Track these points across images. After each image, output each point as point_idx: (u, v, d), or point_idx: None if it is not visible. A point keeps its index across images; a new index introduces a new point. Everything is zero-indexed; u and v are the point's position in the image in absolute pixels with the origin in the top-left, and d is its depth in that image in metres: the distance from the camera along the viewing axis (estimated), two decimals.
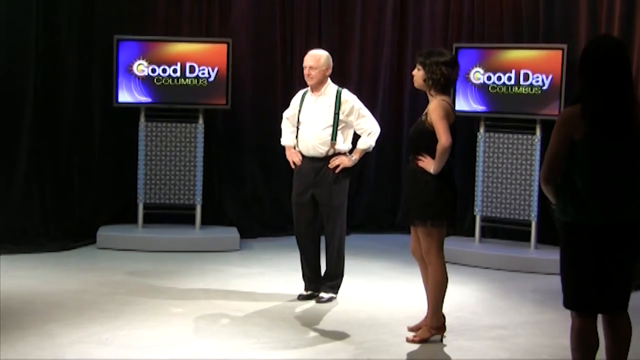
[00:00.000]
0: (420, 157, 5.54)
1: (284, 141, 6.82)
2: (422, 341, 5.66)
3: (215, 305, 6.47)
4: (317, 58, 6.59)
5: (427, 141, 5.52)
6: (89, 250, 8.35)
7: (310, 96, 6.66)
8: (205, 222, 8.81)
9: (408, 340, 5.69)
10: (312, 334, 5.88)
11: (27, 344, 5.35)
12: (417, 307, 6.05)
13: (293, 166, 6.71)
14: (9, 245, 8.04)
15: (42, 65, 8.42)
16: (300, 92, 6.79)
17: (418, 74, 5.66)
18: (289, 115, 6.81)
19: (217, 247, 8.49)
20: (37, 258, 7.91)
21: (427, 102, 5.64)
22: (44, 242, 8.26)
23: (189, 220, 8.75)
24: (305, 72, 6.60)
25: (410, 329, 5.82)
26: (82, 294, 6.69)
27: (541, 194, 6.10)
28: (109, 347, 5.38)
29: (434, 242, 5.59)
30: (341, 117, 6.54)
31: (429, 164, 5.49)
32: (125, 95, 8.51)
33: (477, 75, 8.44)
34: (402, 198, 5.89)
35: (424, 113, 5.62)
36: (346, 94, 6.61)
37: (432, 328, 5.67)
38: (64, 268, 7.59)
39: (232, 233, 8.73)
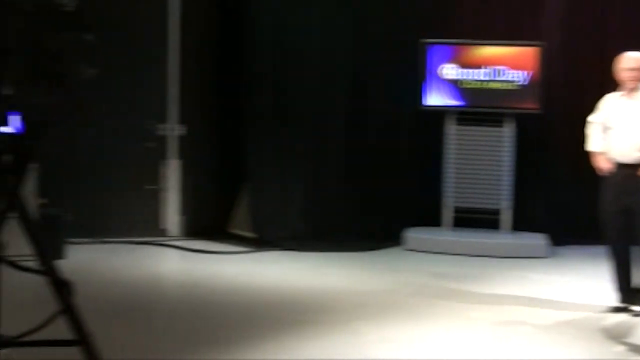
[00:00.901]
0: None
1: (592, 147, 6.52)
2: None
3: (519, 311, 6.31)
4: (638, 60, 6.23)
5: None
6: (396, 251, 8.48)
7: (622, 100, 6.31)
8: (513, 227, 8.66)
9: None
10: (623, 348, 5.55)
11: (334, 340, 5.48)
12: None
13: (602, 173, 6.40)
14: (321, 244, 8.38)
15: (352, 68, 8.70)
16: (610, 96, 6.43)
17: None
18: (597, 120, 6.50)
19: (524, 253, 8.31)
20: (345, 257, 8.15)
21: None
22: (354, 241, 8.50)
23: (495, 224, 8.64)
24: (626, 74, 6.25)
25: None
26: (388, 294, 6.79)
27: None
28: (410, 347, 5.39)
29: None
30: None
31: None
32: (433, 98, 8.57)
33: None
34: None
35: None
36: None
37: None
38: (371, 268, 7.76)
39: (540, 239, 8.51)
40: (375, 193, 8.83)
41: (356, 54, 8.77)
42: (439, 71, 8.58)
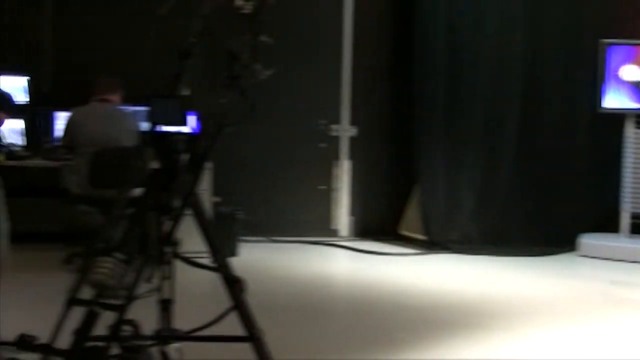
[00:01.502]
0: None
1: None
2: None
3: None
4: None
5: None
6: (569, 257, 8.25)
7: None
8: None
9: None
10: None
11: (502, 345, 5.37)
12: None
13: None
14: (492, 247, 8.26)
15: (526, 70, 8.52)
16: None
17: None
18: None
19: None
20: (518, 261, 8.00)
21: None
22: (526, 246, 8.33)
23: None
24: None
25: None
26: (560, 300, 6.62)
27: None
28: (580, 353, 5.22)
29: None
30: None
31: None
32: (612, 101, 8.29)
33: None
34: None
35: None
36: None
37: None
38: (544, 273, 7.58)
39: None
40: (549, 197, 8.61)
41: (531, 55, 8.57)
42: (619, 73, 8.29)
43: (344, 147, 8.83)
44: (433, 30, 8.45)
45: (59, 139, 7.30)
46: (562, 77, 8.62)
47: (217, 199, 7.85)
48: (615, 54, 8.28)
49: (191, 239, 3.86)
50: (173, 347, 3.70)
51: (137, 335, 3.65)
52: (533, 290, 6.98)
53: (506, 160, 8.58)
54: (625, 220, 8.37)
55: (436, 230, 8.47)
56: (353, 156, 8.84)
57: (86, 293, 3.52)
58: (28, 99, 7.79)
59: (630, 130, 8.32)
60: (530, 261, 8.04)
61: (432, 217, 8.50)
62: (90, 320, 3.48)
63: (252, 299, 3.72)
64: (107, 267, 3.38)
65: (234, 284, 3.66)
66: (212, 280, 3.81)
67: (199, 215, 3.66)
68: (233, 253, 7.63)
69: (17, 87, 7.61)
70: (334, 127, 8.80)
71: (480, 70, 8.51)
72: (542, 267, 7.84)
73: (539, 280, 7.32)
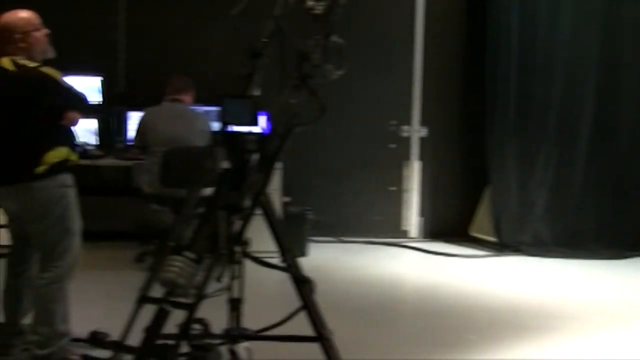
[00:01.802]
0: None
1: None
2: None
3: None
4: None
5: None
6: None
7: None
8: None
9: None
10: None
11: (578, 346, 5.32)
12: None
13: None
14: (564, 250, 8.13)
15: (602, 69, 8.35)
16: None
17: None
18: None
19: None
20: (591, 264, 7.85)
21: None
22: (598, 249, 8.18)
23: None
24: None
25: None
26: (632, 304, 6.50)
27: None
28: None
29: None
30: None
31: None
32: None
33: None
34: None
35: None
36: None
37: None
38: (618, 276, 7.43)
39: None
40: (624, 199, 8.42)
41: (606, 54, 8.38)
42: None
43: (415, 148, 8.77)
44: (506, 30, 8.33)
45: (131, 139, 7.39)
46: (638, 77, 8.44)
47: (287, 199, 7.87)
48: None
49: (261, 238, 3.87)
50: (242, 346, 3.72)
51: (206, 334, 3.68)
52: (606, 293, 6.86)
53: (579, 161, 8.41)
54: None
55: (507, 231, 8.35)
56: (423, 157, 8.78)
57: (157, 291, 3.56)
58: (101, 99, 7.90)
59: None
60: (603, 264, 7.89)
61: (504, 218, 8.39)
62: (160, 318, 3.51)
63: (321, 299, 3.72)
64: (177, 265, 3.41)
65: (303, 284, 3.66)
66: (281, 280, 3.82)
67: (269, 215, 3.67)
68: (302, 253, 7.64)
69: (90, 87, 7.72)
70: (404, 127, 8.75)
71: (553, 69, 8.36)
72: (615, 270, 7.69)
73: (612, 284, 7.19)
